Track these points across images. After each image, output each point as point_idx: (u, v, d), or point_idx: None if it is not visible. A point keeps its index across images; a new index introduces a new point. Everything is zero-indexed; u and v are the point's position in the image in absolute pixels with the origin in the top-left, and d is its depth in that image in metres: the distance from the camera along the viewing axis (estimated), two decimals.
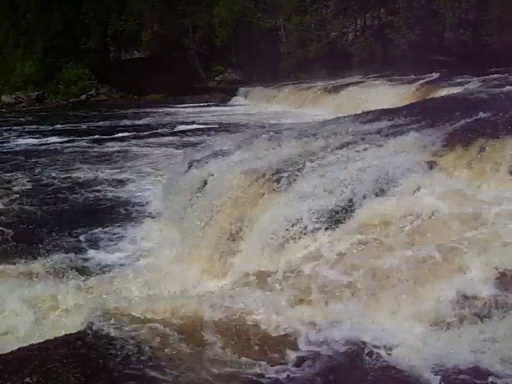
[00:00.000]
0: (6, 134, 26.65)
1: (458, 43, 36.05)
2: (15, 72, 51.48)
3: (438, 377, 4.19)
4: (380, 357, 4.50)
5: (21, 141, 24.14)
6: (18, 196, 12.77)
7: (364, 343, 4.66)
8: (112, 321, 4.87)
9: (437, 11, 38.18)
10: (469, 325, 4.67)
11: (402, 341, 4.66)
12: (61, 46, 50.62)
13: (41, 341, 4.83)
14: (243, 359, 4.51)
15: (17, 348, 4.71)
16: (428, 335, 4.69)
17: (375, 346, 4.61)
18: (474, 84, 20.62)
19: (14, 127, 29.58)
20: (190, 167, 10.23)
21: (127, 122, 30.39)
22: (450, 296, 4.88)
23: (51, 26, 50.78)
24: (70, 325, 5.15)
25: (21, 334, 5.24)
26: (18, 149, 21.59)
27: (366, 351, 4.56)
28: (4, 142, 23.97)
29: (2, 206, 11.69)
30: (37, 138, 24.99)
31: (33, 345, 4.73)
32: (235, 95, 43.37)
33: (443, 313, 4.82)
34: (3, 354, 4.59)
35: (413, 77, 28.51)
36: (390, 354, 4.51)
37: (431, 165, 7.07)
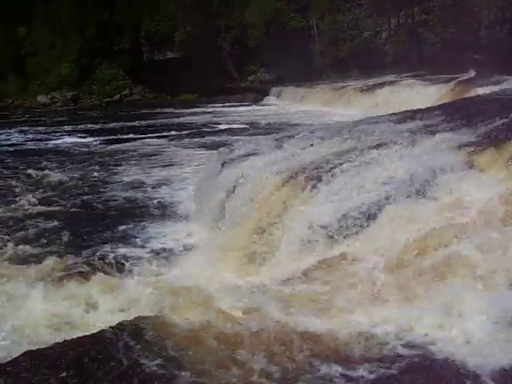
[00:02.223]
0: (47, 134, 27.04)
1: (493, 41, 35.48)
2: (51, 73, 52.18)
3: None
4: None
5: (61, 140, 24.52)
6: (56, 192, 13.25)
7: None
8: (150, 318, 4.90)
9: (472, 9, 37.66)
10: None
11: None
12: (95, 47, 51.24)
13: (77, 336, 4.87)
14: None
15: (54, 343, 4.77)
16: None
17: None
18: (510, 83, 20.26)
19: (52, 127, 29.97)
20: (223, 167, 10.24)
21: (161, 122, 30.61)
22: None
23: (86, 27, 51.46)
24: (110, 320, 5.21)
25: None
26: (58, 147, 21.96)
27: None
28: (45, 140, 24.45)
29: (49, 207, 11.94)
30: (76, 137, 25.34)
31: (69, 340, 4.77)
32: (268, 95, 43.36)
33: None
34: (41, 349, 4.65)
35: (447, 76, 28.14)
36: None
37: (468, 164, 6.97)
